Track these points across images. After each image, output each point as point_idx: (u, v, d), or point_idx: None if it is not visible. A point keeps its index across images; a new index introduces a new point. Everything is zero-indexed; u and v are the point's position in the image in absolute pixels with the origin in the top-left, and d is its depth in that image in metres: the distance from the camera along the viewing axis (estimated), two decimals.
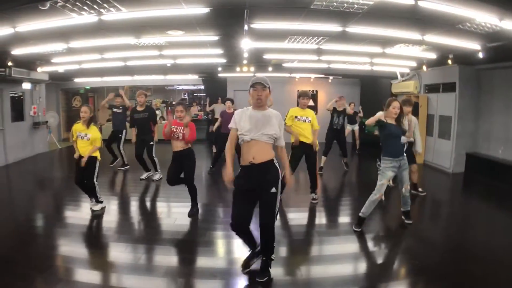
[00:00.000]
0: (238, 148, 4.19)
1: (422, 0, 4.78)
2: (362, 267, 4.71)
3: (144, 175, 8.94)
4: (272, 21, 6.18)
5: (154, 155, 8.76)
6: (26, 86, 11.95)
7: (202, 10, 5.33)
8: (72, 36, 7.07)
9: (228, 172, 4.10)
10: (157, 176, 8.91)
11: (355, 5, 5.11)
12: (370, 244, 5.35)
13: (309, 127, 6.98)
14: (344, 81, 15.73)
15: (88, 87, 18.00)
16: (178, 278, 4.34)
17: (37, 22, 5.81)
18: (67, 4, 4.97)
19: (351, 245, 5.31)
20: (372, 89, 15.05)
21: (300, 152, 7.07)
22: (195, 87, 18.24)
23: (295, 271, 4.54)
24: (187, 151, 6.27)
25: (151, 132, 8.71)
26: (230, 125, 4.17)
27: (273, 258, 4.33)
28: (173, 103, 18.49)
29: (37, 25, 5.90)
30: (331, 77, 15.28)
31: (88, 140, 6.46)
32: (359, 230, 5.73)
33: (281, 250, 5.02)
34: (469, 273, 4.40)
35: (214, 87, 15.68)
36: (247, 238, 4.39)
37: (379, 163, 9.47)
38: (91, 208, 6.62)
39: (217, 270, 4.51)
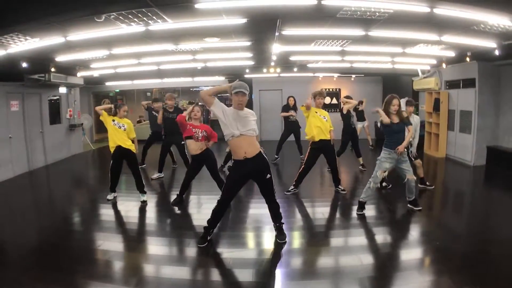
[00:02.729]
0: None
1: (436, 8, 5.11)
2: (382, 255, 4.85)
3: (156, 175, 9.39)
4: (301, 28, 6.56)
5: (187, 152, 8.95)
6: (62, 90, 12.57)
7: (240, 20, 5.78)
8: (115, 43, 7.44)
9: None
10: (156, 175, 9.36)
11: (377, 13, 5.51)
12: (392, 234, 5.55)
13: (325, 126, 7.33)
14: (366, 79, 16.00)
15: (117, 90, 18.47)
16: (211, 268, 4.69)
17: (88, 32, 6.15)
18: (120, 17, 5.37)
19: (368, 236, 5.59)
20: (394, 86, 15.13)
21: (318, 149, 7.39)
22: None
23: (315, 261, 4.83)
24: (206, 153, 6.76)
25: (179, 133, 8.98)
26: (216, 100, 4.82)
27: (283, 222, 5.35)
28: (199, 103, 18.89)
29: (87, 34, 6.25)
30: (353, 76, 15.54)
31: (125, 130, 7.02)
32: (362, 213, 6.21)
33: (302, 242, 5.42)
34: (488, 254, 4.66)
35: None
36: (220, 217, 5.23)
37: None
38: (141, 201, 7.19)
39: (248, 260, 4.80)
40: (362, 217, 6.18)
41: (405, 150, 6.15)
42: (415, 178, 6.29)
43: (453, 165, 10.82)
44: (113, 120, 7.00)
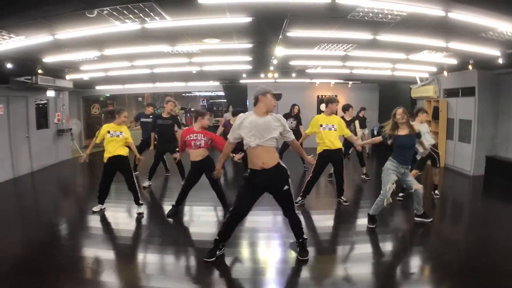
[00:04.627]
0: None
1: (451, 12, 4.97)
2: (384, 265, 4.87)
3: (147, 183, 9.01)
4: (308, 30, 6.29)
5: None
6: (50, 93, 12.16)
7: (245, 19, 5.47)
8: (107, 44, 7.13)
9: (218, 169, 5.21)
10: (147, 183, 9.01)
11: (389, 16, 5.29)
12: (393, 244, 5.59)
13: (333, 135, 7.09)
14: (363, 86, 15.84)
15: (108, 95, 18.13)
16: (205, 279, 4.48)
17: (78, 30, 5.82)
18: (114, 12, 5.03)
19: (373, 245, 5.52)
20: (391, 94, 15.07)
21: (325, 159, 7.18)
22: (213, 94, 18.41)
23: (321, 271, 4.71)
24: (207, 160, 6.43)
25: (174, 140, 8.68)
26: (229, 137, 4.69)
27: (305, 237, 4.96)
28: (192, 109, 18.65)
29: (78, 32, 5.92)
30: (350, 82, 15.39)
31: (123, 137, 6.66)
32: (373, 226, 5.99)
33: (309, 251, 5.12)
34: (488, 267, 4.58)
35: (235, 93, 15.80)
36: (232, 230, 4.88)
37: None
38: (137, 213, 6.83)
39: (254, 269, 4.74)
40: (364, 229, 6.09)
41: (409, 167, 6.03)
42: (421, 186, 6.09)
43: (452, 175, 10.71)
44: (108, 132, 6.67)
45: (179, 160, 7.95)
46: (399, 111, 5.81)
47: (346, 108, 9.54)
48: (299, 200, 7.26)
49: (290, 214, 4.80)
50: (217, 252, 4.84)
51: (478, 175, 10.20)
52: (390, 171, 5.83)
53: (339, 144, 7.18)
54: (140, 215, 6.77)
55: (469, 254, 5.07)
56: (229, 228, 4.81)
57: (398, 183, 6.09)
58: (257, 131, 4.41)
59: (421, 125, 6.91)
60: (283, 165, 4.62)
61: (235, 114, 8.87)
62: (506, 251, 5.08)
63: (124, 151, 6.76)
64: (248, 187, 4.65)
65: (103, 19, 5.29)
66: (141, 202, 6.93)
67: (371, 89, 16.13)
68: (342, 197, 7.43)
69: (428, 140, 6.90)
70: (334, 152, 7.12)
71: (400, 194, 7.56)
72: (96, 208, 6.92)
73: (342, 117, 9.16)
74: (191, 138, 6.28)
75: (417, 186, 5.96)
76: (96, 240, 5.67)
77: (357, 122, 9.80)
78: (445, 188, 7.99)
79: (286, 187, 4.61)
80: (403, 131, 5.80)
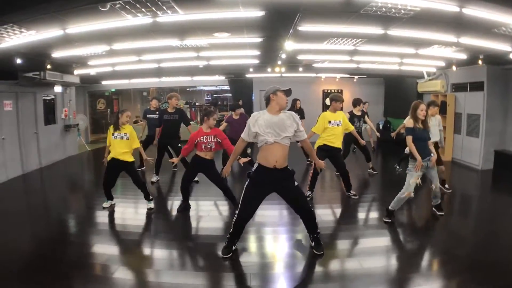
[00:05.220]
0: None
1: (466, 8, 4.91)
2: (394, 258, 4.95)
3: (154, 178, 9.06)
4: (319, 24, 6.23)
5: None
6: (58, 89, 12.16)
7: (258, 13, 5.40)
8: (117, 38, 7.04)
9: (227, 169, 5.15)
10: (155, 178, 9.04)
11: (402, 11, 5.23)
12: (402, 237, 5.65)
13: (340, 131, 7.16)
14: (369, 81, 15.82)
15: (113, 90, 18.15)
16: (214, 273, 4.53)
17: (90, 24, 5.74)
18: (127, 6, 4.94)
19: (382, 239, 5.55)
20: (397, 88, 15.10)
21: (324, 153, 7.15)
22: (218, 88, 18.36)
23: (329, 265, 4.72)
24: (212, 163, 6.44)
25: (177, 136, 8.74)
26: (242, 135, 4.64)
27: (319, 231, 4.98)
28: (196, 104, 18.61)
29: (88, 27, 5.84)
30: (356, 77, 15.34)
31: (127, 139, 6.58)
32: (389, 221, 6.01)
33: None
34: (497, 261, 4.60)
35: (240, 88, 15.77)
36: (242, 229, 4.88)
37: (397, 166, 9.60)
38: (148, 208, 6.84)
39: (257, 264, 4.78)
40: (372, 222, 6.27)
41: (432, 155, 6.01)
42: (439, 185, 6.21)
43: (460, 169, 10.73)
44: (113, 134, 6.64)
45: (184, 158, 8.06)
46: (422, 106, 5.83)
47: (356, 103, 9.48)
48: (309, 194, 7.32)
49: (304, 209, 4.79)
50: (233, 248, 4.86)
51: (486, 169, 10.24)
52: (413, 169, 5.81)
53: (339, 145, 7.25)
54: (150, 210, 6.78)
55: (478, 249, 5.08)
56: (238, 228, 4.82)
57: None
58: (273, 129, 4.40)
59: (432, 118, 7.01)
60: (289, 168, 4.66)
61: (232, 108, 8.95)
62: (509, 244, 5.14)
63: (130, 158, 6.72)
64: (254, 186, 4.63)
65: (115, 12, 5.19)
66: (151, 197, 6.94)
67: (376, 84, 16.12)
68: (352, 191, 7.47)
69: (433, 134, 6.86)
70: (333, 149, 7.18)
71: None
72: (106, 204, 6.93)
73: (351, 112, 9.16)
74: (202, 141, 6.23)
75: (436, 184, 6.06)
76: (105, 236, 5.71)
77: (367, 117, 9.78)
78: (454, 182, 8.00)
79: (295, 183, 4.64)
80: (419, 125, 5.84)
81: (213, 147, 6.26)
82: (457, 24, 5.87)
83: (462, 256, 4.85)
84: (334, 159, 7.34)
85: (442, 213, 6.29)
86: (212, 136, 6.25)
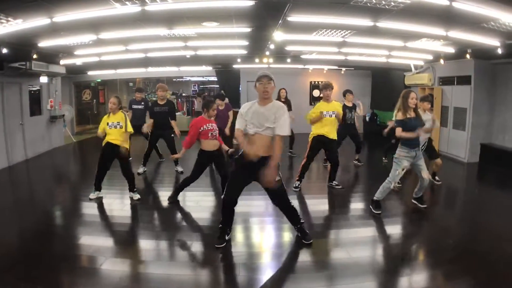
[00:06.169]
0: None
1: (456, 1, 4.92)
2: (381, 248, 5.05)
3: (141, 169, 8.94)
4: (308, 15, 6.18)
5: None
6: (43, 79, 11.93)
7: (248, 2, 5.34)
8: (104, 27, 6.94)
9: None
10: (141, 170, 8.92)
11: (392, 3, 5.22)
12: (389, 228, 5.69)
13: (332, 122, 7.14)
14: (356, 73, 15.81)
15: (99, 80, 17.93)
16: (201, 263, 4.59)
17: (77, 12, 5.64)
18: None
19: (369, 229, 5.59)
20: (384, 81, 15.13)
21: (319, 144, 7.20)
22: (205, 79, 18.26)
23: (317, 256, 4.74)
24: (220, 151, 6.33)
25: (169, 127, 8.67)
26: (237, 126, 4.53)
27: (303, 221, 5.02)
28: (183, 94, 18.49)
29: (76, 15, 5.73)
30: (343, 69, 15.35)
31: (121, 128, 6.54)
32: (379, 212, 6.00)
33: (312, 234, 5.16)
34: (483, 252, 4.67)
35: (227, 79, 15.69)
36: (231, 216, 4.81)
37: (385, 158, 9.63)
38: (131, 198, 6.80)
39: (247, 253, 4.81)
40: (359, 213, 6.37)
41: (420, 147, 6.04)
42: (430, 177, 6.23)
43: (446, 162, 10.53)
44: (108, 123, 6.60)
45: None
46: (413, 95, 5.81)
47: (344, 93, 9.54)
48: (298, 185, 7.35)
49: (283, 203, 4.83)
50: (226, 237, 4.85)
51: (472, 162, 10.36)
52: (401, 158, 5.84)
53: (334, 136, 7.23)
54: (136, 201, 6.75)
55: (464, 239, 5.18)
56: (227, 215, 4.79)
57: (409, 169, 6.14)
58: (256, 120, 4.37)
59: (424, 115, 6.84)
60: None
61: (217, 97, 9.09)
62: (500, 236, 5.19)
63: (126, 144, 6.68)
64: (238, 170, 4.64)
65: (103, 1, 5.15)
66: (135, 189, 6.90)
67: (364, 76, 16.15)
68: (334, 181, 7.54)
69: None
70: (329, 141, 7.19)
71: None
72: (93, 196, 6.85)
73: (343, 103, 9.18)
74: (209, 128, 6.12)
75: (426, 175, 5.99)
76: (92, 227, 5.64)
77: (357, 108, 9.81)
78: (440, 174, 8.05)
79: (277, 177, 4.53)
80: (410, 114, 5.82)
81: (216, 134, 6.20)
82: (447, 17, 5.88)
83: (448, 246, 4.93)
84: (329, 150, 7.37)
85: (425, 206, 6.33)
86: (215, 124, 6.21)
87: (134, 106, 9.69)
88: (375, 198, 6.05)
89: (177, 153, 8.13)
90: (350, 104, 9.46)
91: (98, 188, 6.89)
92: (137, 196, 6.81)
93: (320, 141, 7.18)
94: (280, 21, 6.41)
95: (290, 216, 4.94)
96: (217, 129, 6.23)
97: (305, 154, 7.38)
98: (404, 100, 5.82)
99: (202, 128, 6.11)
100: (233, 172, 4.71)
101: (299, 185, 7.37)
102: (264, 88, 4.36)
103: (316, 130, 7.21)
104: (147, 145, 8.93)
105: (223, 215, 4.79)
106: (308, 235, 4.92)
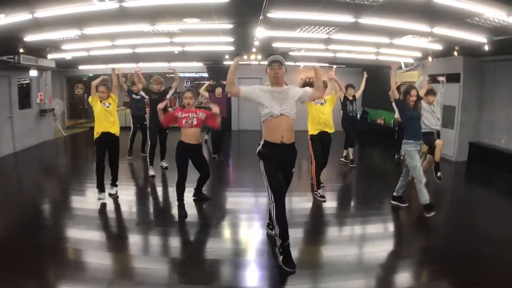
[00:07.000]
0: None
1: None
2: (368, 247, 5.00)
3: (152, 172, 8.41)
4: (288, 11, 6.16)
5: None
6: (33, 73, 11.98)
7: None
8: (87, 22, 6.93)
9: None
10: (152, 172, 8.37)
11: None
12: (376, 227, 5.69)
13: (328, 110, 6.94)
14: (347, 70, 15.77)
15: (91, 75, 17.80)
16: (187, 261, 4.50)
17: (57, 8, 5.65)
18: None
19: (358, 227, 5.65)
20: (375, 79, 14.96)
21: (319, 141, 6.94)
22: (197, 75, 18.22)
23: (310, 254, 4.73)
24: (200, 146, 6.02)
25: None
26: (242, 87, 4.33)
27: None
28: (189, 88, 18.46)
29: (56, 11, 5.73)
30: (334, 66, 15.28)
31: (109, 107, 6.43)
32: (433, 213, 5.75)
33: (298, 233, 5.15)
34: (470, 251, 4.69)
35: (219, 75, 15.65)
36: (285, 221, 4.20)
37: (397, 155, 9.58)
38: (109, 193, 6.65)
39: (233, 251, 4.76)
40: (347, 212, 6.37)
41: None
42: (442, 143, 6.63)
43: None
44: (101, 101, 6.45)
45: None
46: (414, 92, 5.87)
47: (347, 87, 9.59)
48: (321, 193, 6.83)
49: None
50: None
51: (461, 161, 10.33)
52: (412, 152, 5.84)
53: (331, 129, 7.01)
54: (113, 195, 6.68)
55: (451, 239, 5.15)
56: (283, 224, 4.17)
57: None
58: (278, 99, 4.20)
59: (431, 106, 7.10)
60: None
61: (217, 86, 9.75)
62: (488, 236, 5.21)
63: (116, 130, 6.57)
64: (272, 165, 4.22)
65: None
66: (116, 184, 6.83)
67: (355, 73, 15.96)
68: (319, 191, 6.90)
69: (432, 123, 7.24)
70: (325, 135, 6.93)
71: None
72: (101, 196, 6.47)
73: (345, 96, 9.39)
74: (183, 116, 5.83)
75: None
76: (79, 220, 5.63)
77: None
78: (428, 173, 8.01)
79: (293, 170, 4.43)
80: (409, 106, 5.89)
81: (195, 123, 5.80)
82: (429, 13, 5.86)
83: (436, 246, 4.93)
84: (324, 147, 7.02)
85: (407, 204, 6.32)
86: (193, 113, 5.85)
87: (133, 96, 9.81)
88: (424, 203, 5.78)
89: (166, 149, 8.47)
90: (351, 97, 9.54)
91: (102, 188, 6.53)
92: (113, 191, 6.72)
93: (316, 140, 6.94)
94: (260, 17, 6.37)
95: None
96: (195, 117, 5.81)
97: (311, 158, 7.04)
98: (404, 95, 5.91)
99: (176, 115, 5.90)
100: (267, 167, 4.22)
101: (321, 193, 6.83)
102: (274, 74, 4.23)
103: (313, 126, 6.92)
104: (148, 141, 8.64)
105: (278, 223, 4.17)
106: (292, 263, 4.18)
